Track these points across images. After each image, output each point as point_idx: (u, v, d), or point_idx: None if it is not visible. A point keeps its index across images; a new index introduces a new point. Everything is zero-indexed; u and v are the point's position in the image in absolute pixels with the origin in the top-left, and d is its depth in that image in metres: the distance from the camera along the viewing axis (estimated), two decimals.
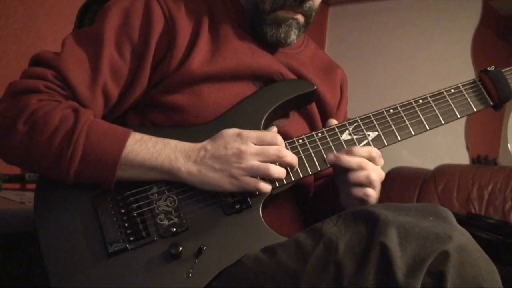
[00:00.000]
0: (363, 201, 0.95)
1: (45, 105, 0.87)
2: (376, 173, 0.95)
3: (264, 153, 0.86)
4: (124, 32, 0.96)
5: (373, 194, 0.95)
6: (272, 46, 1.08)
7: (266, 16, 1.03)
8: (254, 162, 0.86)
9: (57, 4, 2.19)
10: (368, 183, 0.94)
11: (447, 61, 3.06)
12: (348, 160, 0.94)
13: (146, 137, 0.90)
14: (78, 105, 0.91)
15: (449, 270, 0.69)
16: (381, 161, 0.97)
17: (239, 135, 0.88)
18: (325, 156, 0.96)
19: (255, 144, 0.87)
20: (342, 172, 0.96)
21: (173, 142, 0.90)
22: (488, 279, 0.71)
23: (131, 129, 0.90)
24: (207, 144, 0.89)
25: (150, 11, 0.98)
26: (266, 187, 0.88)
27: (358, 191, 0.94)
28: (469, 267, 0.70)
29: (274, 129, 0.97)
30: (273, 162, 0.88)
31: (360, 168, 0.94)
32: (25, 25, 2.10)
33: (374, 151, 0.96)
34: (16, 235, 1.45)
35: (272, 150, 0.87)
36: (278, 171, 0.89)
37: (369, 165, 0.94)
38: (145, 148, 0.88)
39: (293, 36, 1.05)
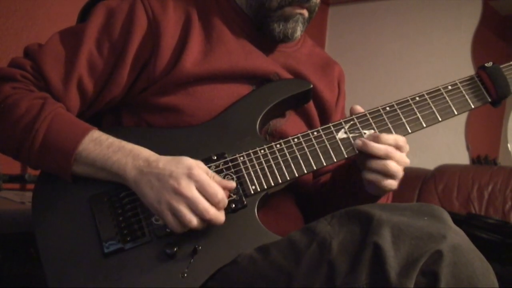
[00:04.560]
0: (384, 189, 0.95)
1: (17, 93, 0.91)
2: (402, 162, 0.95)
3: (194, 204, 0.83)
4: (106, 30, 0.98)
5: (394, 185, 0.95)
6: (273, 43, 1.09)
7: (273, 13, 1.03)
8: (181, 207, 0.83)
9: (57, 4, 2.20)
10: (393, 174, 0.94)
11: (447, 61, 3.06)
12: (377, 147, 0.94)
13: (104, 137, 0.90)
14: (49, 96, 0.93)
15: (442, 270, 0.68)
16: (406, 148, 0.96)
17: (190, 172, 0.84)
18: (320, 155, 0.95)
19: (197, 188, 0.84)
20: (366, 159, 0.96)
21: (129, 147, 0.89)
22: (483, 279, 0.70)
23: (94, 127, 0.91)
24: (161, 160, 0.87)
25: (133, 13, 0.99)
26: (177, 229, 0.84)
27: (381, 180, 0.94)
28: (463, 266, 0.70)
29: (233, 183, 0.90)
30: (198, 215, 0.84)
31: (387, 157, 0.93)
32: (25, 25, 2.11)
33: (400, 139, 0.96)
34: (16, 235, 1.45)
35: (201, 206, 0.83)
36: (181, 228, 0.84)
37: (396, 154, 0.94)
38: (98, 148, 0.88)
39: (298, 31, 1.05)
